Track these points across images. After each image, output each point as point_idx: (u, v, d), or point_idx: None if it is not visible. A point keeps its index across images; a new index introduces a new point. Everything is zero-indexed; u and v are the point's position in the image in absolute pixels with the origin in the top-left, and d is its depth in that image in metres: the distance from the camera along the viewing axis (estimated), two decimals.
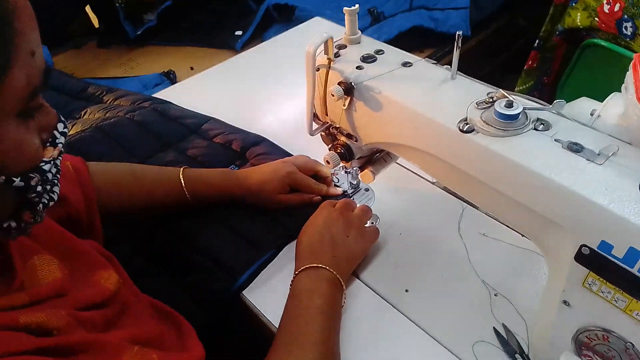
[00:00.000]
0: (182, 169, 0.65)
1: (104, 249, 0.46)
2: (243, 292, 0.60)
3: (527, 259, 0.60)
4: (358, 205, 0.64)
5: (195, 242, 0.64)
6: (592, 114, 0.44)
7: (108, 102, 0.98)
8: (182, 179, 0.63)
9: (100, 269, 0.41)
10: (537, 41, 1.31)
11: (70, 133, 0.87)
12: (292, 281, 0.56)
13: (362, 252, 0.60)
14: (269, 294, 0.60)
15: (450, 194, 0.69)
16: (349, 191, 0.70)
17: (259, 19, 1.45)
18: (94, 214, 0.54)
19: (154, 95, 0.97)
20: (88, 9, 1.79)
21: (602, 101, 0.45)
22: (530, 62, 1.35)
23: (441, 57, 1.39)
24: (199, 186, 0.65)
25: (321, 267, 0.55)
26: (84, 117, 0.94)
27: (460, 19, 1.42)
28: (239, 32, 1.47)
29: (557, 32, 1.24)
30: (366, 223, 0.62)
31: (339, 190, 0.69)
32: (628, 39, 1.04)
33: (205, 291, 0.59)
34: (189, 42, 1.50)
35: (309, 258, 0.56)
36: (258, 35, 1.49)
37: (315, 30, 1.15)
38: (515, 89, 1.41)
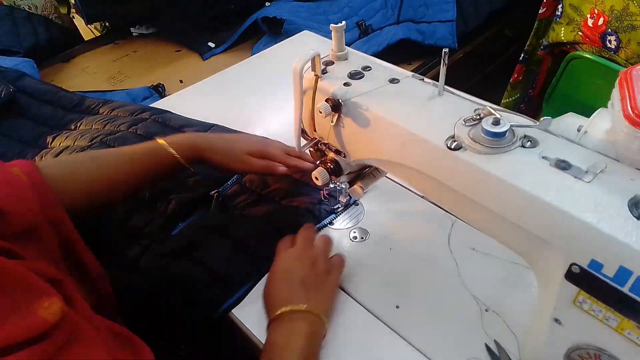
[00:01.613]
0: (157, 139, 0.62)
1: (53, 271, 0.40)
2: (232, 310, 0.59)
3: (518, 273, 0.60)
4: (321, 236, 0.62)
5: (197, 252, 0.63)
6: (579, 130, 0.44)
7: (104, 114, 0.97)
8: (165, 143, 0.61)
9: (43, 296, 0.36)
10: (522, 55, 1.33)
11: (67, 144, 0.86)
12: (267, 331, 0.52)
13: (334, 286, 0.58)
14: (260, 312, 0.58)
15: (440, 208, 0.69)
16: (339, 207, 0.70)
17: (239, 32, 1.46)
18: (59, 214, 0.49)
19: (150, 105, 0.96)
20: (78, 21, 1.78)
21: (589, 113, 0.45)
22: (515, 76, 1.37)
23: (429, 69, 1.40)
24: (182, 146, 0.62)
25: (297, 310, 0.51)
26: (80, 127, 0.92)
27: (447, 31, 1.44)
28: (211, 44, 1.48)
29: (542, 47, 1.26)
30: (330, 254, 0.60)
31: (308, 164, 0.66)
32: (612, 52, 1.05)
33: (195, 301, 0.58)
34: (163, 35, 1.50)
35: (281, 304, 0.52)
36: (247, 48, 1.49)
37: (304, 45, 1.15)
38: (502, 102, 1.43)
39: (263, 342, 0.52)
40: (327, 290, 0.56)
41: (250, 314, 0.59)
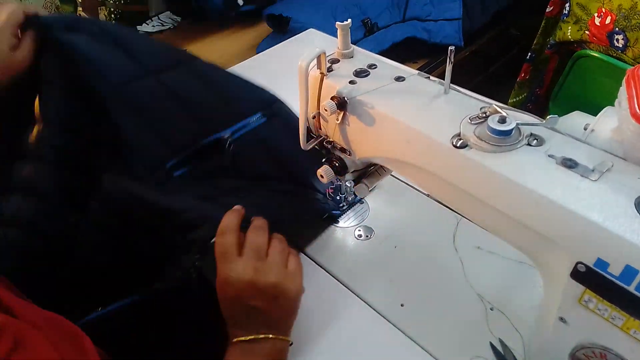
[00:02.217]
0: None
1: None
2: None
3: (523, 272, 0.60)
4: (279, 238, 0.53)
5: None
6: (585, 129, 0.44)
7: None
8: None
9: None
10: (529, 54, 1.33)
11: None
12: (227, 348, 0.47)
13: (297, 299, 0.50)
14: None
15: (445, 206, 0.69)
16: (344, 206, 0.70)
17: None
18: None
19: None
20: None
21: (595, 112, 0.44)
22: (522, 75, 1.37)
23: (434, 68, 1.40)
24: None
25: (258, 337, 0.46)
26: None
27: (453, 30, 1.43)
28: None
29: (549, 45, 1.25)
30: (285, 255, 0.51)
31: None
32: (620, 51, 1.04)
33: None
34: None
35: (238, 333, 0.47)
36: (251, 47, 1.49)
37: (309, 43, 1.15)
38: (509, 101, 1.42)
39: None
40: (286, 309, 0.49)
41: None
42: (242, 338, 0.46)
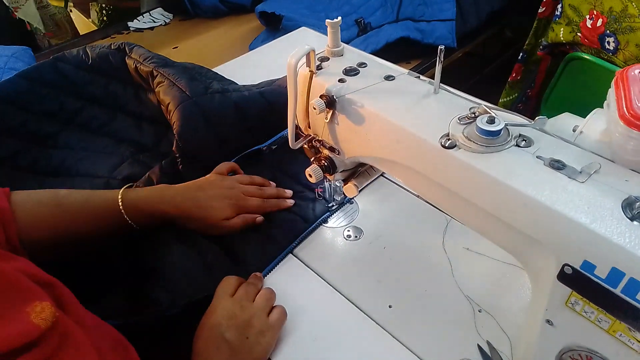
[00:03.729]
0: (121, 190, 0.60)
1: (44, 274, 0.40)
2: None
3: (512, 274, 0.60)
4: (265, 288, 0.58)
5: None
6: (574, 130, 0.44)
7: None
8: (120, 201, 0.58)
9: (34, 299, 0.35)
10: (521, 54, 1.33)
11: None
12: None
13: (266, 352, 0.52)
14: None
15: (435, 207, 0.68)
16: (334, 206, 0.70)
17: None
18: (18, 252, 0.49)
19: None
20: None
21: (587, 114, 0.44)
22: (514, 75, 1.37)
23: (428, 68, 1.40)
24: (134, 210, 0.59)
25: None
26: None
27: (447, 30, 1.43)
28: None
29: (541, 46, 1.25)
30: (269, 311, 0.55)
31: (289, 203, 0.68)
32: (610, 54, 1.05)
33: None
34: None
35: None
36: (244, 44, 1.48)
37: (302, 41, 1.14)
38: (500, 101, 1.43)
39: None
40: (254, 357, 0.51)
41: None
42: None
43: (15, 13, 1.68)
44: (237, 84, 0.85)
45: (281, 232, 0.65)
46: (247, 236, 0.65)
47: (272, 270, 0.62)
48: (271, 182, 0.72)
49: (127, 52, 0.83)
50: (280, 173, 0.75)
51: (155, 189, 0.64)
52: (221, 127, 0.72)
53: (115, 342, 0.44)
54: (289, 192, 0.70)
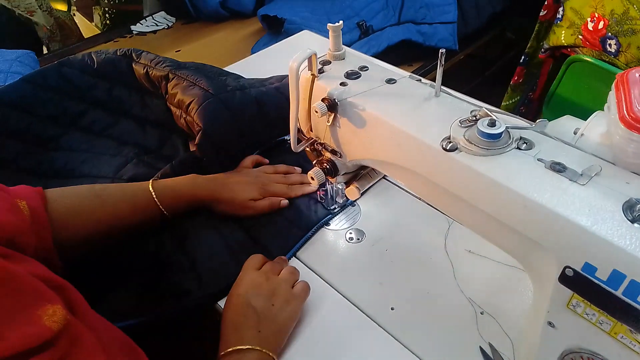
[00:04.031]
0: (151, 181, 0.63)
1: (56, 277, 0.41)
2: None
3: (514, 276, 0.60)
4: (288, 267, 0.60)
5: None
6: (575, 133, 0.44)
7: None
8: (152, 191, 0.62)
9: (46, 302, 0.36)
10: (522, 57, 1.33)
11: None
12: None
13: (291, 320, 0.55)
14: None
15: (437, 209, 0.69)
16: (336, 208, 0.70)
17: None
18: (51, 255, 0.51)
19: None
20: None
21: (588, 117, 0.45)
22: (516, 78, 1.37)
23: (429, 71, 1.40)
24: (169, 197, 0.63)
25: (246, 349, 0.50)
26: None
27: (448, 33, 1.43)
28: None
29: (543, 49, 1.25)
30: (293, 284, 0.58)
31: (312, 188, 0.70)
32: (612, 56, 1.05)
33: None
34: None
35: (232, 338, 0.51)
36: (247, 47, 1.49)
37: (304, 44, 1.14)
38: (502, 104, 1.43)
39: None
40: (280, 324, 0.54)
41: None
42: (232, 348, 0.49)
43: (31, 17, 1.69)
44: (247, 79, 0.87)
45: (302, 219, 0.68)
46: (271, 221, 0.67)
47: (293, 255, 0.65)
48: (296, 168, 0.75)
49: (135, 57, 0.84)
50: (304, 161, 0.76)
51: (186, 177, 0.67)
52: (245, 122, 0.75)
53: (125, 346, 0.44)
54: (312, 188, 0.72)
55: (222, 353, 0.50)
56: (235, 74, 0.90)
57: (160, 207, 0.62)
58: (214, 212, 0.67)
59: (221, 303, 0.59)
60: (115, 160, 0.75)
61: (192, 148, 0.78)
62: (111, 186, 0.63)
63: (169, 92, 0.78)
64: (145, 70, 0.81)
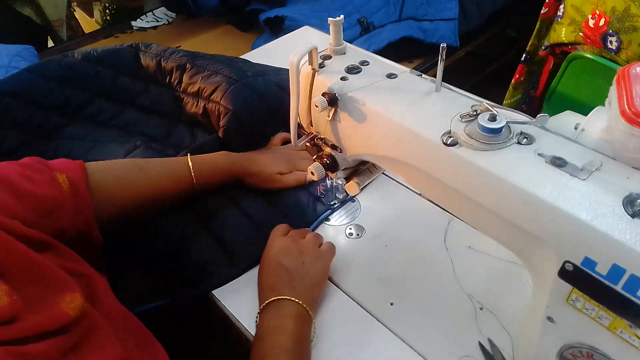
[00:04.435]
0: (188, 155, 0.65)
1: (77, 265, 0.42)
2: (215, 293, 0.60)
3: (513, 272, 0.60)
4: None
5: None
6: (576, 128, 0.44)
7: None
8: (190, 164, 0.64)
9: (66, 291, 0.37)
10: (524, 55, 1.33)
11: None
12: (256, 321, 0.54)
13: (323, 274, 0.59)
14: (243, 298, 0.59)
15: (437, 205, 0.69)
16: (336, 203, 0.70)
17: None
18: (90, 226, 0.52)
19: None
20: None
21: (588, 113, 0.44)
22: (517, 76, 1.36)
23: (430, 67, 1.40)
24: (206, 171, 0.66)
25: (283, 299, 0.53)
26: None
27: (449, 29, 1.43)
28: None
29: (543, 47, 1.25)
30: (319, 245, 0.61)
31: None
32: (613, 53, 1.05)
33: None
34: None
35: (269, 293, 0.54)
36: (247, 43, 1.49)
37: (304, 39, 1.14)
38: (503, 102, 1.42)
39: (244, 324, 0.57)
40: (313, 279, 0.57)
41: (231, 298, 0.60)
42: (272, 298, 0.53)
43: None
44: (259, 65, 0.91)
45: (301, 215, 0.68)
46: (296, 194, 0.70)
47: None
48: None
49: (143, 48, 0.85)
50: None
51: (220, 153, 0.70)
52: (270, 105, 0.78)
53: (143, 339, 0.45)
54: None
55: (261, 307, 0.53)
56: (247, 60, 0.93)
57: (194, 180, 0.64)
58: (244, 185, 0.69)
59: (218, 295, 0.60)
60: (122, 148, 0.75)
61: (201, 137, 0.79)
62: (153, 160, 0.65)
63: (184, 81, 0.80)
64: (156, 60, 0.82)
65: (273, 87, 0.80)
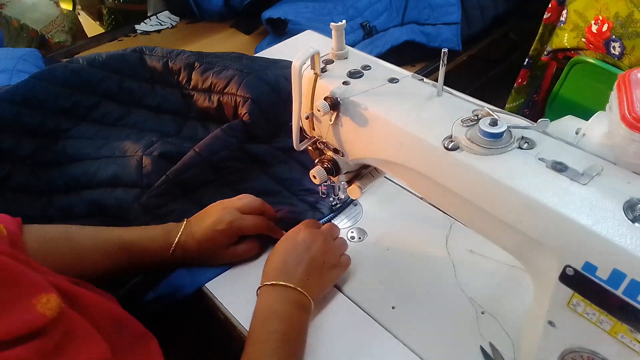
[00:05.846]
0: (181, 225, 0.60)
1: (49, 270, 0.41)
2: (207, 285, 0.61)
3: (515, 276, 0.60)
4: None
5: None
6: (577, 133, 0.44)
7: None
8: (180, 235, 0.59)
9: (40, 292, 0.36)
10: (526, 60, 1.33)
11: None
12: (257, 295, 0.55)
13: (331, 282, 0.59)
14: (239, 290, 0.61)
15: (438, 209, 0.69)
16: (337, 204, 0.70)
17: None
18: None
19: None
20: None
21: (589, 118, 0.45)
22: (520, 80, 1.37)
23: (433, 71, 1.40)
24: (138, 252, 0.58)
25: (290, 287, 0.53)
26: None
27: (452, 34, 1.43)
28: None
29: (546, 52, 1.25)
30: (344, 250, 0.62)
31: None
32: (616, 59, 1.05)
33: None
34: None
35: (279, 274, 0.54)
36: (250, 47, 1.49)
37: (307, 44, 1.14)
38: (506, 107, 1.42)
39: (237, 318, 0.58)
40: (324, 282, 0.57)
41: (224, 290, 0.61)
42: (282, 282, 0.53)
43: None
44: (262, 58, 0.95)
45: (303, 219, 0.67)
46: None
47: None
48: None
49: (147, 52, 0.88)
50: (309, 162, 0.78)
51: (156, 229, 0.61)
52: (283, 95, 0.81)
53: (136, 337, 0.44)
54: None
55: (269, 283, 0.53)
56: (251, 55, 0.97)
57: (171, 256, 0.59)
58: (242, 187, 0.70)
59: (211, 288, 0.61)
60: (140, 143, 0.76)
61: (213, 129, 0.80)
62: (85, 230, 0.57)
63: (193, 79, 0.84)
64: (163, 62, 0.85)
65: (281, 79, 0.84)
